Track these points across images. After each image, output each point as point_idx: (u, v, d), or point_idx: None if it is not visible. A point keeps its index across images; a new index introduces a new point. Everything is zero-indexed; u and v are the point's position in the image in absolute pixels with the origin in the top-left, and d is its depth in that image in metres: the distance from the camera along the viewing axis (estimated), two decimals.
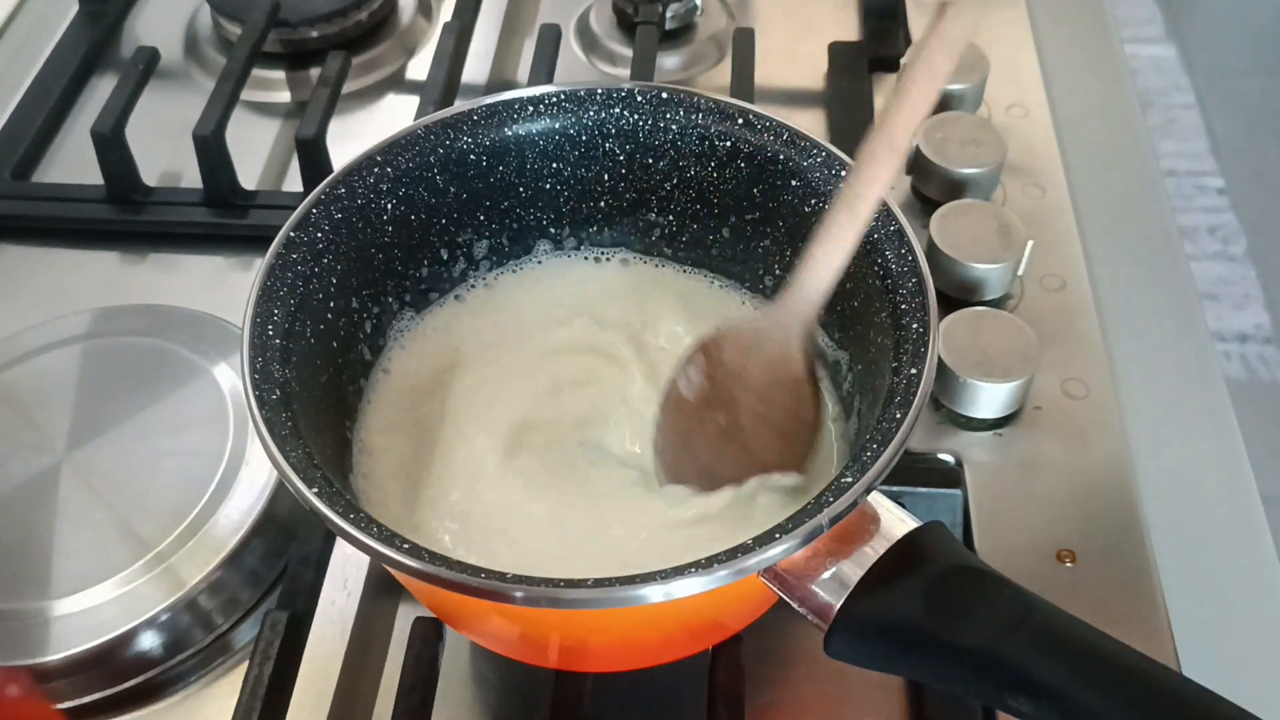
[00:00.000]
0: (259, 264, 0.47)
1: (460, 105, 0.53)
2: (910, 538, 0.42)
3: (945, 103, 0.73)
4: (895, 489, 0.56)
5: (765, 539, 0.39)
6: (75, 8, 0.85)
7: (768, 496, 0.48)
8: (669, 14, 0.81)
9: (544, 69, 0.75)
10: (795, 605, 0.42)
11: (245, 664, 0.52)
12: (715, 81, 0.80)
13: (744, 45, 0.77)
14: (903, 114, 0.43)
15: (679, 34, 0.83)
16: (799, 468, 0.48)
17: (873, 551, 0.41)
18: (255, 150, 0.77)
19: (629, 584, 0.39)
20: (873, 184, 0.44)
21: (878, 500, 0.42)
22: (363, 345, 0.53)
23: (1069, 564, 0.55)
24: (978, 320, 0.61)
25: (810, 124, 0.62)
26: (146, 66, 0.75)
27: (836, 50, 0.80)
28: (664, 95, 0.53)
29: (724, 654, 0.49)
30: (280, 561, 0.56)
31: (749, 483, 0.48)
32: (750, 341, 0.48)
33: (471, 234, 0.55)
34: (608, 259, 0.58)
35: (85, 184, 0.73)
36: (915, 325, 0.45)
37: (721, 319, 0.55)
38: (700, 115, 0.53)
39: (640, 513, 0.49)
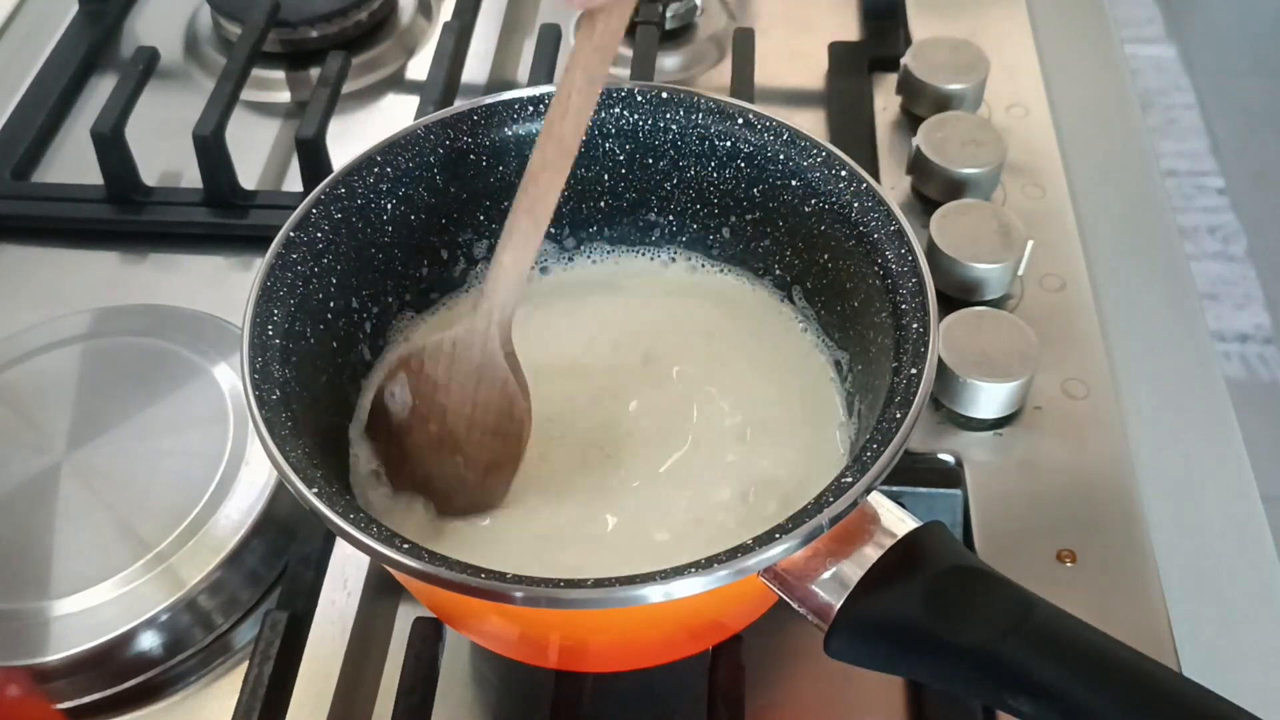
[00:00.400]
0: (259, 264, 0.47)
1: (460, 105, 0.53)
2: (910, 538, 0.42)
3: (945, 102, 0.73)
4: (895, 489, 0.56)
5: (765, 539, 0.39)
6: (75, 8, 0.85)
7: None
8: (669, 14, 0.81)
9: (544, 69, 0.75)
10: (795, 605, 0.42)
11: (245, 664, 0.52)
12: (715, 81, 0.80)
13: (744, 45, 0.77)
14: (569, 118, 0.46)
15: (679, 34, 0.83)
16: (516, 463, 0.49)
17: (873, 551, 0.41)
18: (255, 150, 0.77)
19: (629, 584, 0.39)
20: (551, 189, 0.47)
21: (878, 500, 0.42)
22: (363, 345, 0.53)
23: (1069, 564, 0.55)
24: (978, 320, 0.61)
25: (810, 124, 0.62)
26: (146, 66, 0.75)
27: (836, 50, 0.80)
28: (664, 95, 0.53)
29: (724, 654, 0.49)
30: (280, 561, 0.56)
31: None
32: (450, 353, 0.49)
33: (471, 234, 0.55)
34: (608, 259, 0.58)
35: (85, 184, 0.73)
36: (915, 325, 0.45)
37: (717, 321, 0.55)
38: (700, 115, 0.53)
39: (634, 522, 0.49)
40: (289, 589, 0.54)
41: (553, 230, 0.57)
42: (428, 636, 0.51)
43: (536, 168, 0.47)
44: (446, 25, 0.80)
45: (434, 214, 0.54)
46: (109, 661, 0.52)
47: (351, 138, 0.74)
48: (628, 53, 0.80)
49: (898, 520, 0.42)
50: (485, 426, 0.49)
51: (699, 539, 0.47)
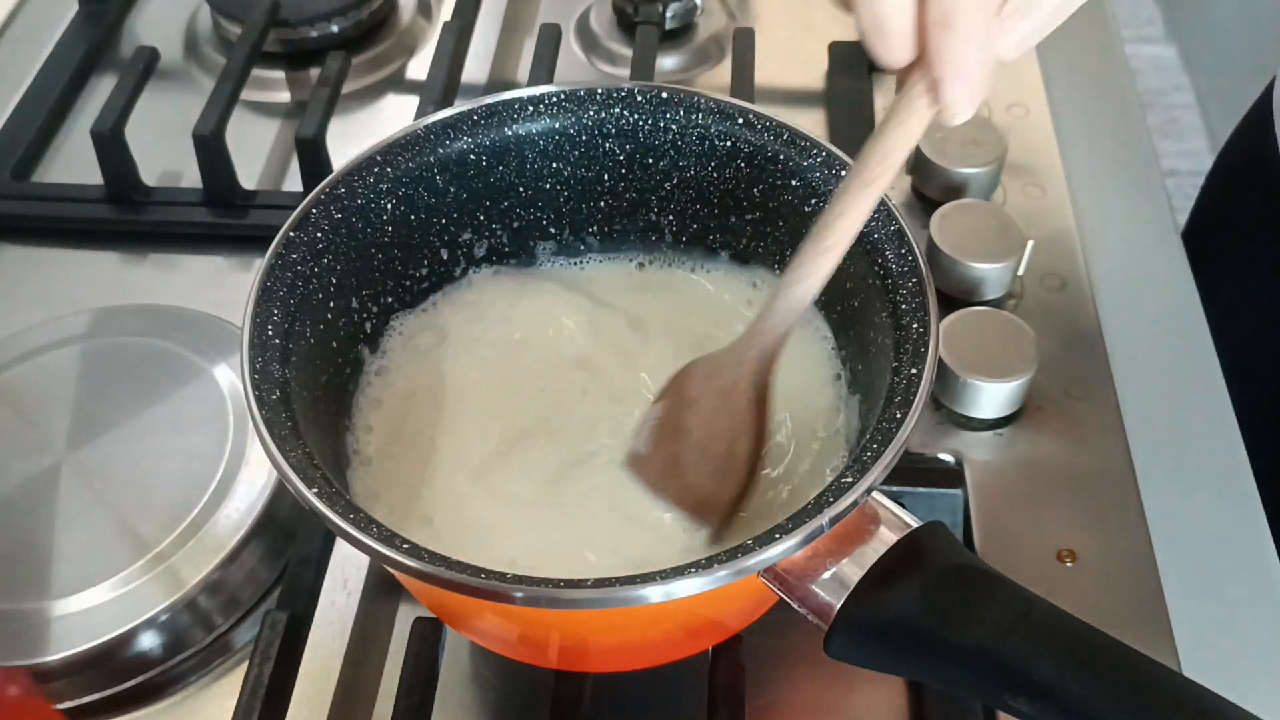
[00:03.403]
0: (259, 264, 0.47)
1: (460, 105, 0.53)
2: (910, 538, 0.42)
3: None
4: (895, 489, 0.56)
5: (765, 539, 0.39)
6: (75, 8, 0.85)
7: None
8: (669, 14, 0.81)
9: (544, 69, 0.75)
10: (795, 605, 0.42)
11: (245, 664, 0.52)
12: (715, 81, 0.80)
13: (744, 45, 0.77)
14: (876, 148, 0.42)
15: (679, 34, 0.83)
16: (723, 509, 0.47)
17: (873, 551, 0.41)
18: (255, 150, 0.77)
19: (629, 584, 0.39)
20: (844, 216, 0.43)
21: (878, 500, 0.42)
22: (363, 345, 0.53)
23: (1069, 564, 0.55)
24: (978, 320, 0.61)
25: (810, 124, 0.62)
26: (146, 66, 0.75)
27: (836, 50, 0.80)
28: (664, 95, 0.53)
29: (724, 654, 0.49)
30: (280, 561, 0.56)
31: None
32: (711, 369, 0.47)
33: (471, 234, 0.55)
34: (609, 260, 0.58)
35: (85, 184, 0.73)
36: (915, 325, 0.45)
37: (717, 322, 0.55)
38: (700, 115, 0.53)
39: (629, 521, 0.49)
40: (289, 589, 0.54)
41: (553, 230, 0.57)
42: (428, 636, 0.51)
43: (837, 192, 0.43)
44: (446, 25, 0.80)
45: (434, 214, 0.54)
46: (109, 661, 0.52)
47: (351, 138, 0.74)
48: (627, 53, 0.80)
49: (898, 520, 0.42)
50: (709, 455, 0.47)
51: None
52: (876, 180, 0.42)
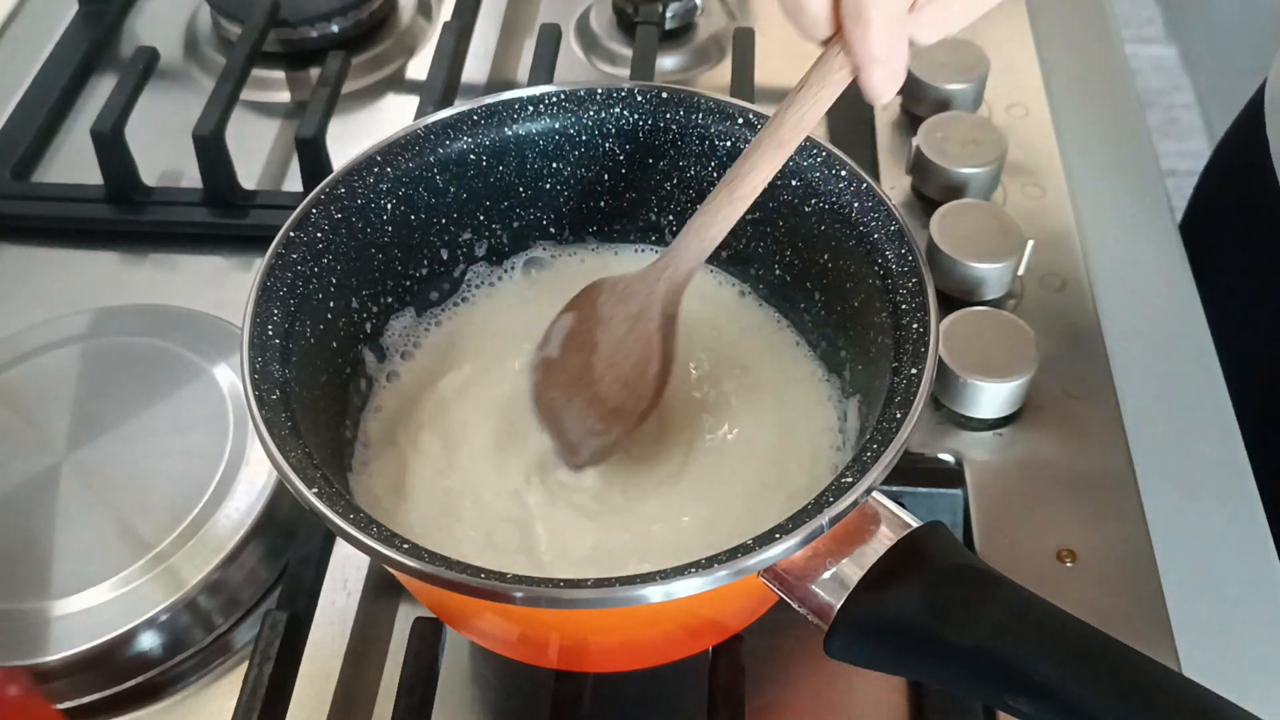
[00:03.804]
0: (259, 264, 0.47)
1: (460, 105, 0.53)
2: (910, 538, 0.42)
3: (945, 102, 0.73)
4: (895, 489, 0.56)
5: (765, 539, 0.39)
6: (75, 8, 0.85)
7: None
8: (669, 14, 0.81)
9: (544, 69, 0.75)
10: (795, 605, 0.42)
11: (245, 664, 0.52)
12: (715, 81, 0.80)
13: (744, 45, 0.77)
14: (792, 111, 0.44)
15: (679, 34, 0.83)
16: (632, 421, 0.49)
17: (873, 551, 0.41)
18: (255, 150, 0.77)
19: (629, 584, 0.39)
20: (755, 170, 0.46)
21: (878, 500, 0.42)
22: (362, 345, 0.53)
23: (1069, 564, 0.55)
24: (978, 320, 0.61)
25: None
26: (146, 66, 0.75)
27: None
28: (664, 95, 0.53)
29: (724, 654, 0.49)
30: (280, 561, 0.56)
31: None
32: (622, 292, 0.50)
33: (471, 234, 0.55)
34: (608, 259, 0.58)
35: (85, 184, 0.73)
36: (915, 325, 0.45)
37: (716, 320, 0.55)
38: (700, 115, 0.53)
39: (630, 517, 0.49)
40: (289, 589, 0.54)
41: (552, 230, 0.57)
42: (428, 636, 0.51)
43: (749, 149, 0.46)
44: (446, 25, 0.80)
45: (434, 214, 0.54)
46: (109, 661, 0.52)
47: (351, 138, 0.74)
48: (627, 53, 0.80)
49: (898, 520, 0.42)
50: (619, 373, 0.49)
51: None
52: (788, 142, 0.45)
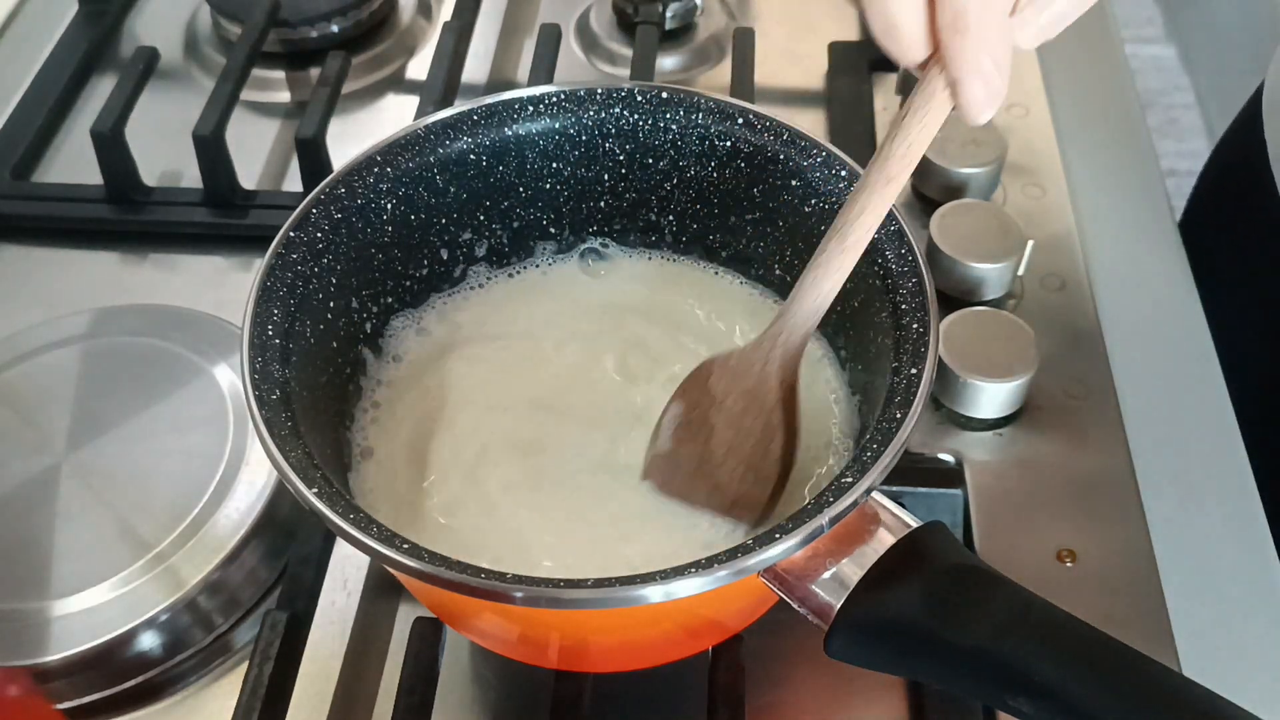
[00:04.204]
0: (259, 264, 0.47)
1: (460, 105, 0.53)
2: (910, 538, 0.42)
3: None
4: (895, 489, 0.56)
5: (765, 539, 0.39)
6: (75, 8, 0.85)
7: None
8: (669, 14, 0.81)
9: (544, 69, 0.75)
10: (795, 605, 0.42)
11: (245, 664, 0.52)
12: (715, 81, 0.80)
13: (744, 45, 0.77)
14: (897, 143, 0.41)
15: (679, 34, 0.83)
16: (759, 508, 0.47)
17: (873, 551, 0.41)
18: (255, 150, 0.77)
19: (629, 584, 0.39)
20: (866, 212, 0.42)
21: (878, 500, 0.42)
22: (363, 345, 0.53)
23: (1069, 564, 0.55)
24: (978, 320, 0.61)
25: (810, 124, 0.62)
26: (146, 66, 0.75)
27: (836, 50, 0.80)
28: (664, 95, 0.53)
29: (724, 654, 0.49)
30: (280, 561, 0.56)
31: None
32: (734, 368, 0.47)
33: (471, 234, 0.55)
34: (608, 258, 0.58)
35: (85, 184, 0.73)
36: (915, 325, 0.45)
37: (719, 320, 0.55)
38: (700, 115, 0.53)
39: (633, 520, 0.49)
40: (289, 589, 0.54)
41: (552, 230, 0.57)
42: (428, 636, 0.51)
43: (857, 190, 0.43)
44: (446, 25, 0.80)
45: (434, 214, 0.54)
46: (109, 661, 0.52)
47: (351, 138, 0.74)
48: (627, 53, 0.80)
49: (898, 520, 0.42)
50: (741, 456, 0.46)
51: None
52: (897, 177, 0.42)
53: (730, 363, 0.47)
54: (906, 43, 0.38)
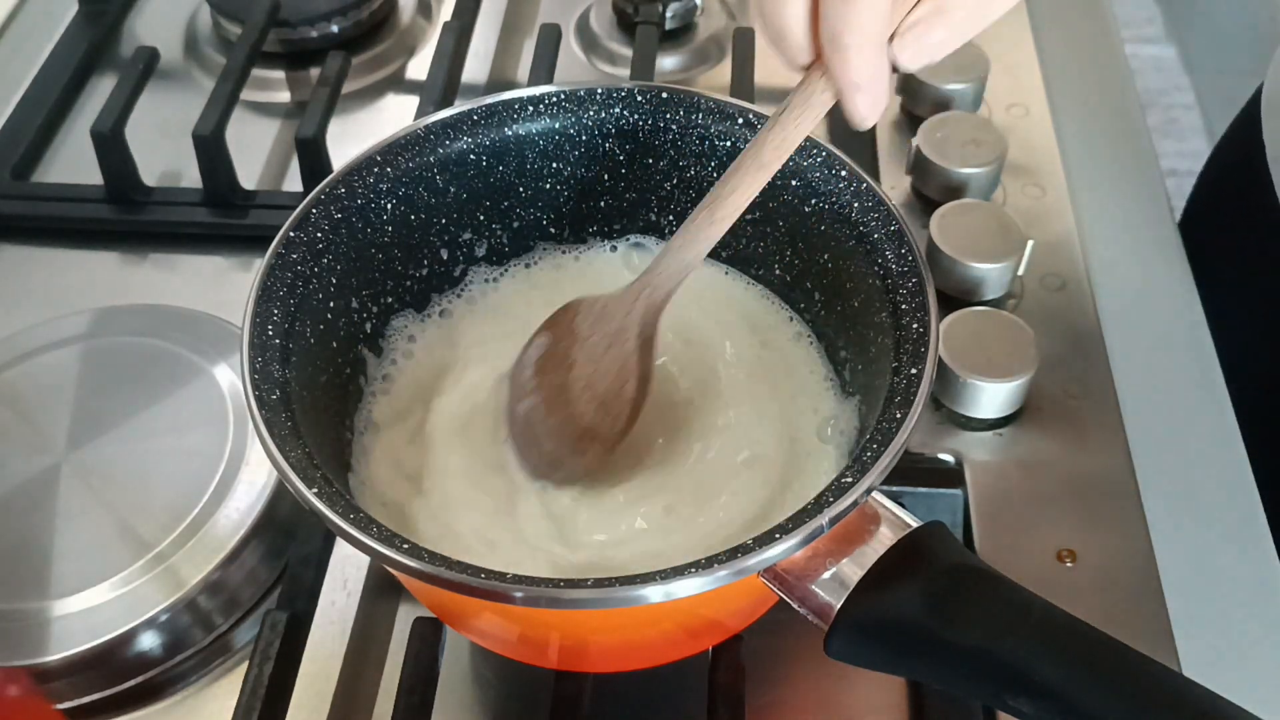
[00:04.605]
0: (259, 264, 0.47)
1: (460, 105, 0.53)
2: (910, 538, 0.42)
3: (945, 102, 0.73)
4: (895, 489, 0.56)
5: (765, 539, 0.39)
6: (75, 8, 0.85)
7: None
8: (669, 14, 0.81)
9: (544, 69, 0.75)
10: (795, 605, 0.42)
11: (245, 664, 0.52)
12: (715, 81, 0.80)
13: (744, 45, 0.77)
14: (775, 133, 0.44)
15: (679, 34, 0.83)
16: (609, 443, 0.49)
17: (873, 551, 0.41)
18: (255, 150, 0.77)
19: (629, 584, 0.39)
20: (736, 191, 0.45)
21: (878, 500, 0.42)
22: (362, 345, 0.53)
23: (1069, 564, 0.55)
24: (978, 320, 0.61)
25: None
26: (146, 66, 0.75)
27: None
28: (664, 95, 0.53)
29: (724, 654, 0.49)
30: (280, 561, 0.56)
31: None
32: (599, 311, 0.49)
33: (471, 234, 0.55)
34: (608, 258, 0.58)
35: (85, 184, 0.73)
36: (915, 325, 0.45)
37: (719, 320, 0.55)
38: (700, 115, 0.53)
39: (634, 522, 0.49)
40: (289, 589, 0.54)
41: (552, 230, 0.57)
42: (428, 636, 0.51)
43: (730, 170, 0.45)
44: (446, 25, 0.80)
45: (434, 214, 0.54)
46: (109, 661, 0.52)
47: (351, 138, 0.74)
48: (627, 53, 0.80)
49: (898, 520, 0.42)
50: (595, 392, 0.49)
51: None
52: (769, 164, 0.45)
53: (597, 306, 0.50)
54: (792, 51, 0.42)
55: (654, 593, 0.38)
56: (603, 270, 0.57)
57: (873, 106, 0.41)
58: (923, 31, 0.40)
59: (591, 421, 0.49)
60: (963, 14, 0.40)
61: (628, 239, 0.57)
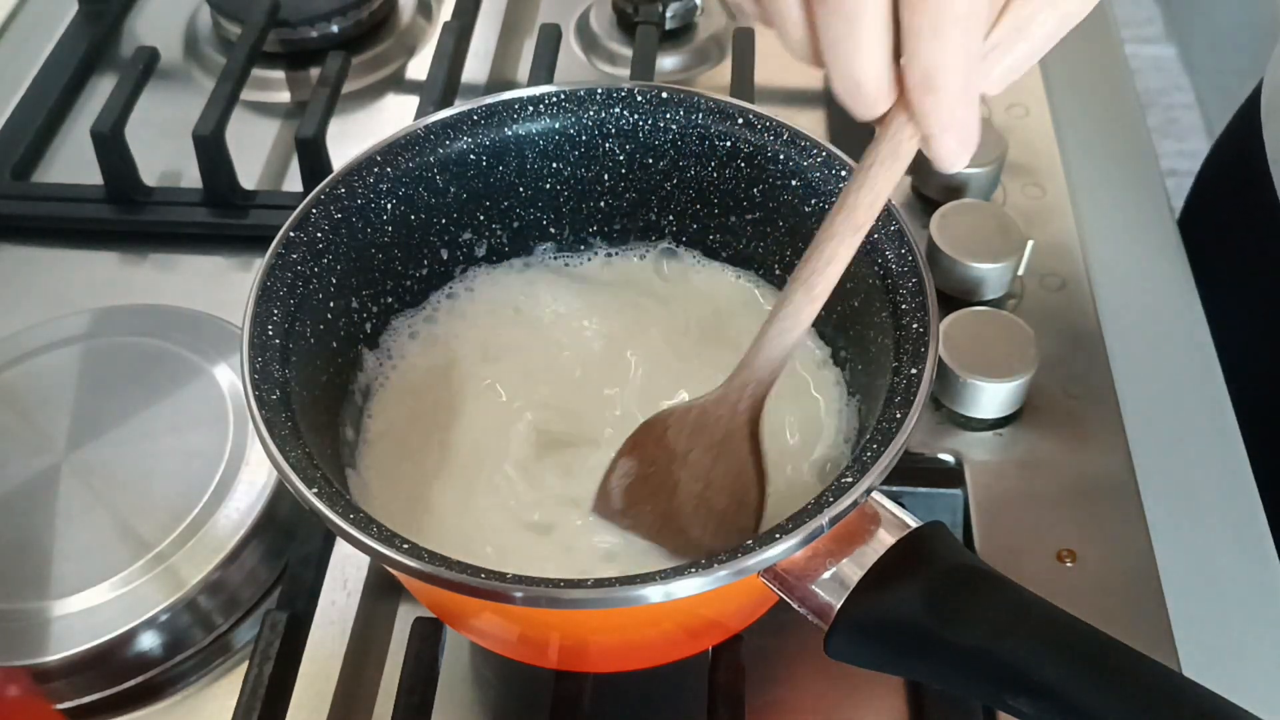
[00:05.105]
0: (259, 264, 0.47)
1: (460, 105, 0.53)
2: (910, 538, 0.42)
3: None
4: (895, 489, 0.56)
5: (765, 539, 0.39)
6: (75, 8, 0.85)
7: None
8: (669, 14, 0.81)
9: (544, 69, 0.75)
10: (795, 605, 0.42)
11: (245, 664, 0.52)
12: (715, 81, 0.80)
13: (744, 45, 0.77)
14: (864, 191, 0.41)
15: (679, 34, 0.83)
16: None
17: (873, 551, 0.41)
18: (255, 150, 0.77)
19: (629, 584, 0.39)
20: (833, 262, 0.42)
21: (878, 500, 0.42)
22: (362, 345, 0.53)
23: (1069, 564, 0.55)
24: (978, 320, 0.61)
25: (810, 124, 0.62)
26: (146, 66, 0.75)
27: None
28: (664, 95, 0.53)
29: (724, 654, 0.49)
30: (280, 561, 0.56)
31: None
32: (695, 420, 0.46)
33: (471, 234, 0.55)
34: (608, 258, 0.58)
35: (85, 184, 0.73)
36: (915, 325, 0.45)
37: (719, 322, 0.55)
38: (700, 115, 0.53)
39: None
40: (289, 589, 0.54)
41: (552, 230, 0.57)
42: (428, 636, 0.51)
43: (822, 238, 0.42)
44: (446, 25, 0.80)
45: (434, 214, 0.54)
46: (109, 661, 0.52)
47: (351, 138, 0.74)
48: (627, 53, 0.80)
49: (898, 520, 0.42)
50: (713, 511, 0.46)
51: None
52: (864, 225, 0.41)
53: (690, 416, 0.46)
54: (870, 100, 0.38)
55: (654, 593, 0.38)
56: (600, 269, 0.57)
57: (966, 146, 0.38)
58: (1004, 53, 0.38)
59: (712, 546, 0.44)
60: (1042, 31, 0.38)
61: (628, 244, 0.57)
